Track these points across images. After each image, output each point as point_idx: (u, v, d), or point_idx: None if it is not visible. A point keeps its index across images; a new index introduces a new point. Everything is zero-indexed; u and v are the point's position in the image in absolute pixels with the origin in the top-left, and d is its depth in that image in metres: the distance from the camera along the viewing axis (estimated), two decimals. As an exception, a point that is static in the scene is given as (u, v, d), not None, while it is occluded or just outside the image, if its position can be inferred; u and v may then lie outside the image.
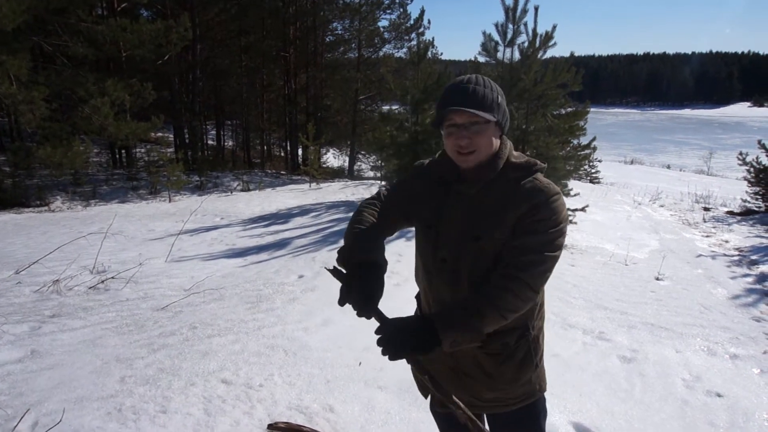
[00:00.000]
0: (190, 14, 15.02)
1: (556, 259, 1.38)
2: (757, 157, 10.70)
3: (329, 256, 5.88)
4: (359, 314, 1.47)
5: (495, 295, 1.33)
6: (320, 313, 4.13)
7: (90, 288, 4.48)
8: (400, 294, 4.72)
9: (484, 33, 9.50)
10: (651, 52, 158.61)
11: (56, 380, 2.80)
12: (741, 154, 11.10)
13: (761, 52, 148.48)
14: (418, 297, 1.76)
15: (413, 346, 1.30)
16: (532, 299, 1.37)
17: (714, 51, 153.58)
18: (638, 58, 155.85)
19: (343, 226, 7.48)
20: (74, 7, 11.06)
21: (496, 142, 1.45)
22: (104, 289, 4.50)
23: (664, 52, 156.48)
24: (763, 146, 10.39)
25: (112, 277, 4.72)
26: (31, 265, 4.98)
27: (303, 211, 8.94)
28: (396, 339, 1.31)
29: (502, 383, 1.53)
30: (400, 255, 5.87)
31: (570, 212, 8.11)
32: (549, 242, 1.37)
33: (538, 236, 1.37)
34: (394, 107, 14.09)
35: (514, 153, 1.51)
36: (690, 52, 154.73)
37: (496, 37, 9.22)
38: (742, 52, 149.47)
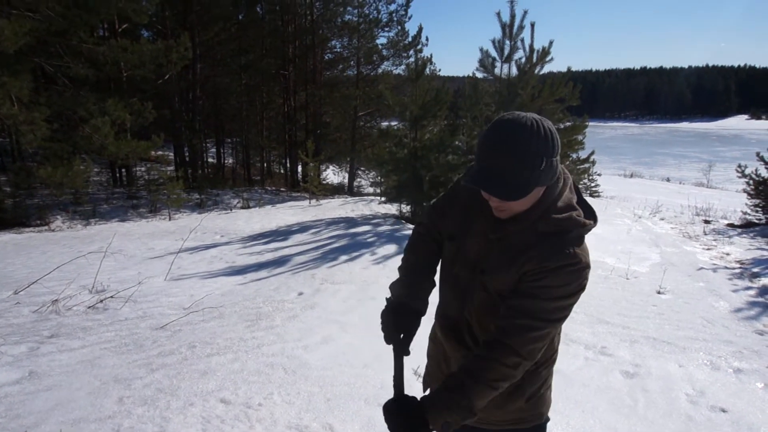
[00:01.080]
0: (190, 34, 15.19)
1: (555, 329, 1.29)
2: (756, 170, 10.71)
3: (329, 272, 5.87)
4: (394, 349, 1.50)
5: (481, 367, 1.26)
6: (320, 331, 4.10)
7: (89, 307, 4.47)
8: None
9: (481, 49, 9.63)
10: (648, 66, 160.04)
11: (54, 402, 2.78)
12: (740, 166, 11.12)
13: (757, 65, 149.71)
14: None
15: (407, 429, 1.28)
16: (524, 366, 1.27)
17: (710, 65, 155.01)
18: (635, 72, 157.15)
19: (344, 242, 7.48)
20: (76, 28, 11.18)
21: (538, 193, 1.27)
22: (103, 308, 4.48)
23: (661, 66, 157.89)
24: (762, 159, 10.41)
25: (111, 297, 4.70)
26: (30, 285, 4.96)
27: (302, 227, 8.93)
28: (393, 423, 1.31)
29: (512, 409, 1.47)
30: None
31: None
32: (550, 311, 1.25)
33: (539, 302, 1.25)
34: (393, 123, 14.19)
35: (561, 204, 1.30)
36: (687, 66, 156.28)
37: (494, 53, 9.35)
38: (739, 66, 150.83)
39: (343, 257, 6.58)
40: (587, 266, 1.26)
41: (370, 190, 21.47)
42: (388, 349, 3.85)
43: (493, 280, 1.34)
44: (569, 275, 1.24)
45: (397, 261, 6.27)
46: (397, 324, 1.47)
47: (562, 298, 1.25)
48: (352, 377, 3.36)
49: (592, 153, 8.56)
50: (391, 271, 6.00)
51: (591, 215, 1.37)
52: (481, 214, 1.39)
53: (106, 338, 3.77)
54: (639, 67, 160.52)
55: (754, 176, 10.66)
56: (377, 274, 5.89)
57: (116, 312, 4.40)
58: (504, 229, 1.32)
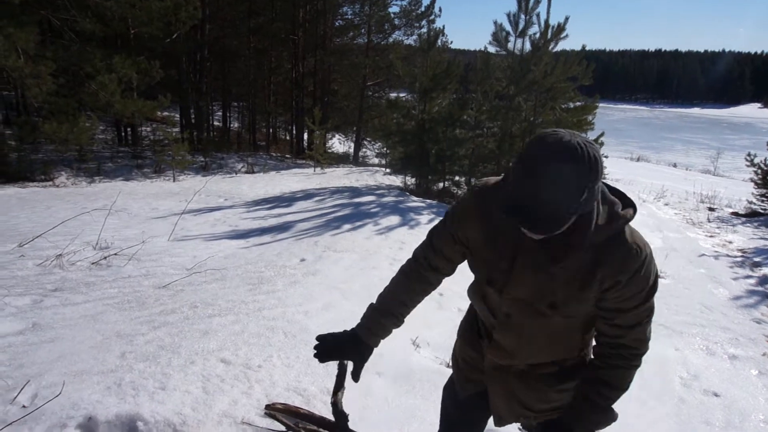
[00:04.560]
0: (200, -8, 14.90)
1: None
2: (765, 159, 10.62)
3: (332, 240, 5.89)
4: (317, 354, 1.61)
5: (624, 377, 1.36)
6: (321, 297, 4.14)
7: (92, 264, 4.50)
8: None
9: (495, 23, 9.45)
10: (663, 49, 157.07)
11: (57, 353, 2.82)
12: (749, 155, 11.02)
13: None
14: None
15: None
16: None
17: (726, 50, 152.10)
18: (650, 55, 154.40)
19: (347, 211, 7.48)
20: (83, -20, 10.98)
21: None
22: (107, 265, 4.51)
23: (677, 50, 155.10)
24: (772, 148, 10.31)
25: (115, 254, 4.73)
26: (34, 239, 4.99)
27: (307, 195, 8.93)
28: None
29: (555, 397, 1.47)
30: (403, 243, 5.87)
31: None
32: (651, 308, 1.29)
33: (639, 309, 1.26)
34: (401, 94, 14.03)
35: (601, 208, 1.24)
36: (702, 50, 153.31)
37: (508, 27, 9.18)
38: (756, 53, 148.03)
39: (347, 226, 6.59)
40: (650, 251, 1.25)
41: (376, 160, 21.38)
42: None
43: (568, 311, 1.28)
44: (646, 270, 1.22)
45: (400, 233, 6.29)
46: (339, 350, 1.61)
47: (654, 289, 1.26)
48: (350, 344, 3.39)
49: (601, 134, 8.44)
50: (393, 242, 6.01)
51: (628, 202, 1.31)
52: (524, 244, 1.25)
53: (109, 294, 3.80)
54: (654, 49, 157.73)
55: (762, 165, 10.58)
56: (379, 244, 5.91)
57: (119, 269, 4.43)
58: (566, 256, 1.20)
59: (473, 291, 1.46)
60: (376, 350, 3.40)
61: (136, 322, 3.35)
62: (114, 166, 12.68)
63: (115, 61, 11.21)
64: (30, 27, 9.74)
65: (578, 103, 9.09)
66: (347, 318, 3.77)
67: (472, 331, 1.59)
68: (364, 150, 22.66)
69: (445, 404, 1.79)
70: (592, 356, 1.42)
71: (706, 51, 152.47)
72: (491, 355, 1.47)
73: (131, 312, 3.51)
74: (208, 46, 17.86)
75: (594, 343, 1.41)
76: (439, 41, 11.01)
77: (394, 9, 21.21)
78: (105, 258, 4.62)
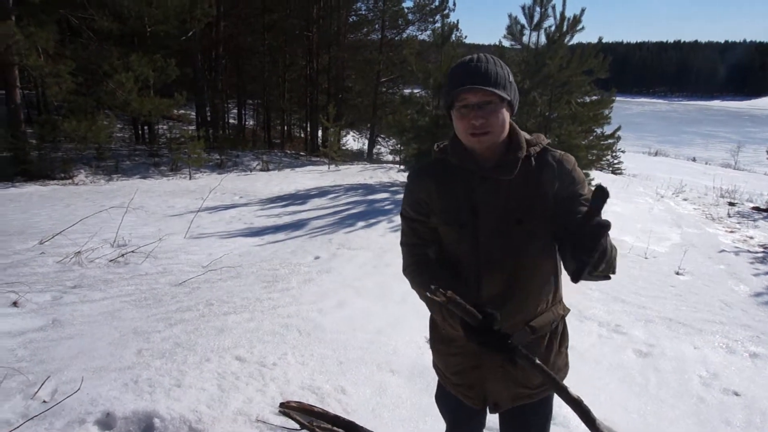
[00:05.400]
0: (215, -10, 14.99)
1: None
2: (788, 153, 10.39)
3: (346, 238, 5.90)
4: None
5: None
6: (335, 295, 4.15)
7: (110, 261, 4.57)
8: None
9: (510, 15, 9.34)
10: (682, 40, 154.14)
11: (76, 350, 2.87)
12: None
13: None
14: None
15: None
16: None
17: (748, 40, 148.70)
18: (668, 46, 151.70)
19: (361, 208, 7.48)
20: (100, -20, 11.12)
21: (507, 121, 1.38)
22: (124, 262, 4.58)
23: (696, 41, 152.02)
24: (794, 141, 10.08)
25: (132, 251, 4.80)
26: (54, 236, 5.08)
27: (321, 192, 8.96)
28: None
29: (549, 367, 1.52)
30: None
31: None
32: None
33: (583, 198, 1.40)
34: (415, 91, 13.97)
35: (528, 137, 1.49)
36: (723, 41, 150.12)
37: (523, 20, 9.07)
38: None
39: (361, 223, 6.60)
40: None
41: (390, 157, 21.35)
42: (402, 316, 3.87)
43: (533, 222, 1.39)
44: (575, 169, 1.44)
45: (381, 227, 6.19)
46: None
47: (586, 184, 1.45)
48: (365, 342, 3.40)
49: (618, 129, 8.31)
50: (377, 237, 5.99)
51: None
52: (477, 178, 1.41)
53: (126, 291, 3.86)
54: (672, 41, 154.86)
55: (785, 159, 10.34)
56: (393, 242, 5.90)
57: (137, 266, 4.49)
58: (513, 164, 1.38)
59: (451, 250, 1.50)
60: (391, 347, 3.41)
61: (153, 319, 3.39)
62: (131, 164, 12.83)
63: (132, 59, 11.34)
64: (50, 26, 9.90)
65: (594, 97, 8.96)
66: (361, 316, 3.79)
67: (449, 327, 1.50)
68: (378, 147, 22.63)
69: (445, 416, 1.80)
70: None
71: (726, 41, 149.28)
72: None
73: (148, 309, 3.56)
74: (223, 44, 17.96)
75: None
76: (453, 36, 10.93)
77: (408, 4, 21.19)
78: (122, 255, 4.68)
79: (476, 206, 1.42)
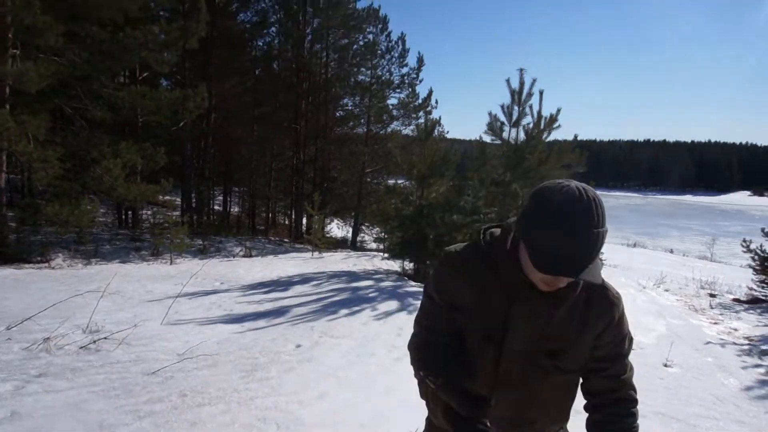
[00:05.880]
0: (207, 85, 15.66)
1: None
2: (761, 245, 10.67)
3: (328, 326, 5.75)
4: None
5: (631, 424, 1.35)
6: (316, 386, 3.96)
7: (81, 348, 4.35)
8: (401, 368, 4.58)
9: (490, 114, 9.85)
10: (651, 139, 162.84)
11: (33, 445, 2.65)
12: (745, 241, 11.09)
13: (759, 144, 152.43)
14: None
15: None
16: None
17: (713, 140, 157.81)
18: (639, 145, 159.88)
19: (345, 296, 7.37)
20: (99, 74, 11.57)
21: None
22: (95, 349, 4.36)
23: (665, 140, 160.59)
24: (767, 234, 10.39)
25: (105, 338, 4.59)
26: (23, 322, 4.86)
27: (304, 279, 8.85)
28: None
29: None
30: (401, 329, 5.73)
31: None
32: (629, 358, 1.37)
33: (627, 356, 1.36)
34: (399, 181, 14.33)
35: None
36: (690, 140, 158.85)
37: (502, 117, 9.57)
38: (741, 143, 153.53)
39: (344, 311, 6.47)
40: None
41: (374, 245, 21.44)
42: (387, 409, 3.70)
43: (566, 359, 1.30)
44: (625, 315, 1.33)
45: (399, 318, 6.17)
46: None
47: (631, 339, 1.36)
48: (347, 437, 3.21)
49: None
50: (392, 327, 5.87)
51: None
52: (519, 294, 1.26)
53: (95, 381, 3.64)
54: (642, 139, 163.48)
55: (759, 252, 10.60)
56: (377, 330, 5.76)
57: (108, 354, 4.28)
58: (564, 299, 1.24)
59: (471, 350, 1.37)
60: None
61: (121, 411, 3.18)
62: (111, 249, 12.65)
63: (122, 147, 11.54)
64: (42, 114, 10.13)
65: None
66: (344, 408, 3.60)
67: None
68: (362, 235, 22.80)
69: None
70: (591, 422, 1.38)
71: (693, 141, 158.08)
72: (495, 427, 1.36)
73: (116, 400, 3.34)
74: (213, 134, 18.49)
75: (588, 413, 1.39)
76: (435, 131, 11.44)
77: (392, 101, 22.24)
78: (94, 342, 4.47)
79: (509, 322, 1.29)
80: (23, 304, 6.14)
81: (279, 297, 7.32)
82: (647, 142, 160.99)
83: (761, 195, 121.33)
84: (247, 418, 3.27)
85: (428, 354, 1.36)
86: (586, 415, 1.39)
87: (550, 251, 1.10)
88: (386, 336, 5.50)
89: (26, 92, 9.68)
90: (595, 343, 1.30)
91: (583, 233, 1.08)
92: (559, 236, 1.09)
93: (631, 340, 1.35)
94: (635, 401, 1.36)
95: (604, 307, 1.29)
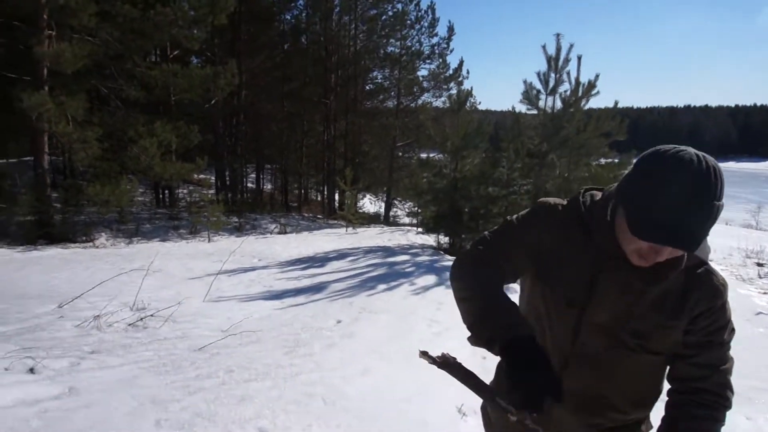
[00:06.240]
0: (237, 61, 15.68)
1: None
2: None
3: (367, 301, 5.76)
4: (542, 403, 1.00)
5: (708, 429, 1.18)
6: (359, 361, 3.98)
7: (129, 325, 4.47)
8: (442, 343, 4.55)
9: (525, 81, 9.55)
10: (692, 105, 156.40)
11: (92, 420, 2.73)
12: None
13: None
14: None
15: None
16: None
17: (758, 104, 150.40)
18: (679, 110, 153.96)
19: (382, 271, 7.38)
20: (131, 53, 11.71)
21: None
22: (143, 326, 4.48)
23: (706, 105, 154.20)
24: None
25: (151, 315, 4.70)
26: (73, 300, 5.02)
27: (340, 255, 8.89)
28: None
29: None
30: (440, 303, 5.70)
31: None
32: (731, 356, 1.21)
33: (724, 348, 1.19)
34: (432, 154, 14.16)
35: None
36: (733, 105, 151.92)
37: (538, 85, 9.26)
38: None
39: (382, 286, 6.47)
40: None
41: (407, 220, 21.40)
42: (430, 383, 3.67)
43: (654, 340, 1.18)
44: (728, 305, 1.18)
45: (437, 293, 6.11)
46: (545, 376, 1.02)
47: (732, 331, 1.20)
48: (393, 411, 3.21)
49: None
50: (430, 302, 5.84)
51: None
52: (609, 262, 1.15)
53: (144, 357, 3.73)
54: (683, 105, 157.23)
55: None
56: (416, 304, 5.75)
57: (155, 331, 4.38)
58: (663, 277, 1.11)
59: (538, 313, 1.27)
60: (420, 417, 3.21)
61: (172, 387, 3.25)
62: (151, 227, 12.98)
63: (157, 126, 11.73)
64: (80, 95, 10.34)
65: (613, 159, 8.98)
66: (386, 383, 3.60)
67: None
68: (394, 210, 22.76)
69: None
70: (666, 411, 1.24)
71: (736, 105, 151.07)
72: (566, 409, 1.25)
73: (166, 376, 3.42)
74: (244, 111, 18.59)
75: (668, 397, 1.26)
76: (468, 102, 11.17)
77: (422, 72, 21.86)
78: (141, 319, 4.59)
79: (594, 290, 1.18)
80: (71, 282, 6.36)
81: (316, 273, 7.37)
82: (687, 108, 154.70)
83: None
84: (293, 394, 3.30)
85: (491, 297, 1.16)
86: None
87: (658, 216, 0.99)
88: (425, 311, 5.48)
89: (63, 73, 9.87)
90: (688, 328, 1.17)
91: (699, 201, 0.97)
92: (671, 201, 0.98)
93: (732, 330, 1.19)
94: (723, 404, 1.18)
95: (707, 294, 1.15)
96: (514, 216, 1.31)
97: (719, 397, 1.18)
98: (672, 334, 1.17)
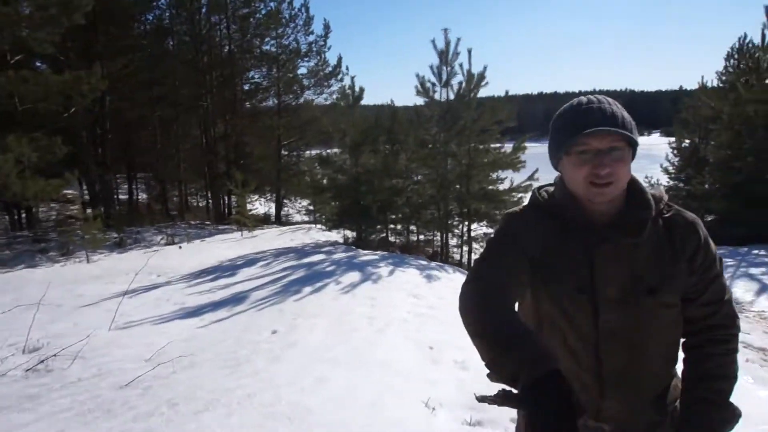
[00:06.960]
0: (100, 65, 14.09)
1: None
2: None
3: (297, 306, 5.46)
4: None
5: (727, 363, 1.26)
6: (311, 371, 3.72)
7: (27, 371, 3.76)
8: (387, 339, 4.45)
9: (417, 75, 9.72)
10: (580, 90, 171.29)
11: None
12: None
13: (636, 89, 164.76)
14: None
15: None
16: None
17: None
18: (568, 96, 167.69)
19: (301, 273, 7.05)
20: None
21: (629, 169, 1.21)
22: (46, 370, 3.79)
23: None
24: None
25: (54, 355, 4.00)
26: (-57, 351, 4.13)
27: (248, 261, 8.39)
28: None
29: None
30: (373, 299, 5.58)
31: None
32: (725, 282, 1.30)
33: (720, 278, 1.27)
34: (325, 151, 13.96)
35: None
36: (577, 90, 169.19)
37: (432, 78, 9.46)
38: (622, 89, 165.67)
39: (307, 289, 6.18)
40: None
41: (298, 218, 20.98)
42: (388, 382, 3.54)
43: (668, 293, 1.22)
44: (708, 236, 1.26)
45: (366, 289, 5.98)
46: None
47: (719, 259, 1.28)
48: (362, 417, 3.04)
49: (536, 171, 8.74)
50: (363, 299, 5.69)
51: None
52: (596, 237, 1.21)
53: (62, 406, 3.14)
54: (578, 90, 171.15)
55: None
56: (349, 303, 5.56)
57: (64, 372, 3.73)
58: (642, 223, 1.21)
59: (557, 317, 1.26)
60: (393, 417, 3.07)
61: (111, 435, 2.76)
62: (12, 254, 11.28)
63: (9, 140, 10.14)
64: None
65: (510, 144, 9.44)
66: (347, 390, 3.41)
67: None
68: (286, 209, 22.21)
69: None
70: (684, 355, 1.34)
71: (580, 91, 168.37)
72: (609, 403, 1.27)
73: (98, 424, 2.91)
74: (109, 119, 16.92)
75: (683, 339, 1.34)
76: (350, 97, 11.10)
77: (302, 70, 21.47)
78: (42, 362, 3.88)
79: (595, 269, 1.22)
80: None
81: (229, 283, 6.86)
82: (581, 94, 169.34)
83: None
84: (254, 418, 2.98)
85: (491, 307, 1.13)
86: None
87: (575, 111, 1.20)
88: (360, 309, 5.32)
89: None
90: (690, 268, 1.23)
91: (599, 98, 1.21)
92: (580, 102, 1.22)
93: (720, 260, 1.28)
94: (732, 333, 1.28)
95: (687, 229, 1.24)
96: (492, 235, 1.37)
97: (729, 329, 1.28)
98: (679, 282, 1.23)
